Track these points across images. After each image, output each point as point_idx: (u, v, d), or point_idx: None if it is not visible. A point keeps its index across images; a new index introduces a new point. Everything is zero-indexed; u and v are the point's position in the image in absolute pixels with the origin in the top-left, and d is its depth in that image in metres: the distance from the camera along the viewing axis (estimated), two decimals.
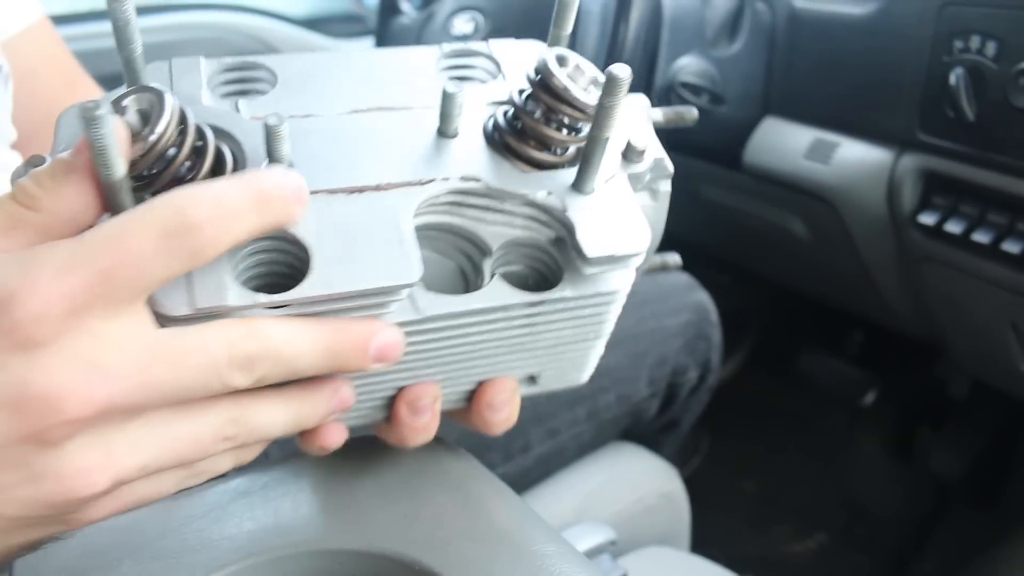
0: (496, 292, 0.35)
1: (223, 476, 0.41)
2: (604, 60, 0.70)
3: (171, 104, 0.30)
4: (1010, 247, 0.78)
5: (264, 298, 0.30)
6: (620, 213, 0.35)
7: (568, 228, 0.35)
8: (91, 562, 0.38)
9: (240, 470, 0.41)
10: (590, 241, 0.34)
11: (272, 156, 0.32)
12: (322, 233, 0.32)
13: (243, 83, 0.37)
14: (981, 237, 0.80)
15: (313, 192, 0.32)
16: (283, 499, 0.40)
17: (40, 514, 0.28)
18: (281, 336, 0.30)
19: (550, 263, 0.37)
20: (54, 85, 0.69)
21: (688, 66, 0.88)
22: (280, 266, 0.33)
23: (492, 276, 0.35)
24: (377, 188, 0.34)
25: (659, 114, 0.43)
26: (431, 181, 0.34)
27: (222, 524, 0.38)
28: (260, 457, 0.68)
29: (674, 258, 0.47)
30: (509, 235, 0.36)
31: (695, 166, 1.08)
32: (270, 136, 0.31)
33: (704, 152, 1.05)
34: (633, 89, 0.72)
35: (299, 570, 0.37)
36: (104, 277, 0.26)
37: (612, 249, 0.34)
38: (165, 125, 0.30)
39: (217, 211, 0.27)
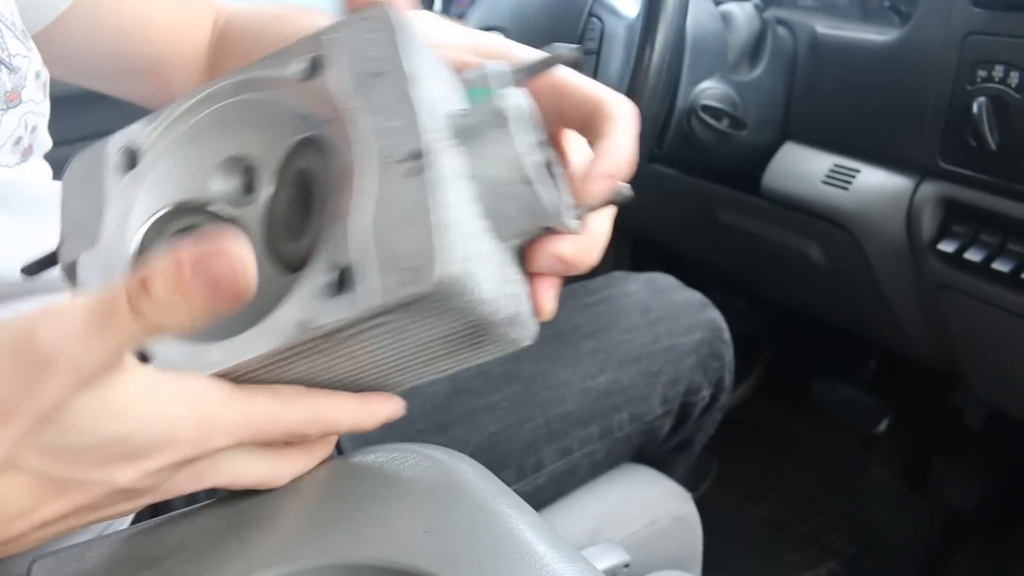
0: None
1: (242, 491, 0.41)
2: (628, 82, 0.70)
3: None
4: None
5: None
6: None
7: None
8: (108, 574, 0.37)
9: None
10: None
11: None
12: None
13: None
14: (1001, 266, 0.79)
15: None
16: (303, 513, 0.40)
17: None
18: None
19: None
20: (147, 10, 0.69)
21: (709, 90, 0.89)
22: None
23: None
24: None
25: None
26: None
27: (241, 537, 0.38)
28: None
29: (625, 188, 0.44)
30: None
31: (713, 190, 1.08)
32: None
33: (723, 176, 1.06)
34: (656, 112, 0.72)
35: None
36: None
37: None
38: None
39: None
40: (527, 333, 0.40)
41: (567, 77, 0.43)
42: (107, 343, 0.29)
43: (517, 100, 0.36)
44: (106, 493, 0.33)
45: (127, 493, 0.33)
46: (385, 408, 0.40)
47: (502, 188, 0.36)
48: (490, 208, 0.36)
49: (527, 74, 0.38)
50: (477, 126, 0.35)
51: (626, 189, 0.41)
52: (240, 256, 0.28)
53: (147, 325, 0.29)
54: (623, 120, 0.41)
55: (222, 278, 0.28)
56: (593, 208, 0.39)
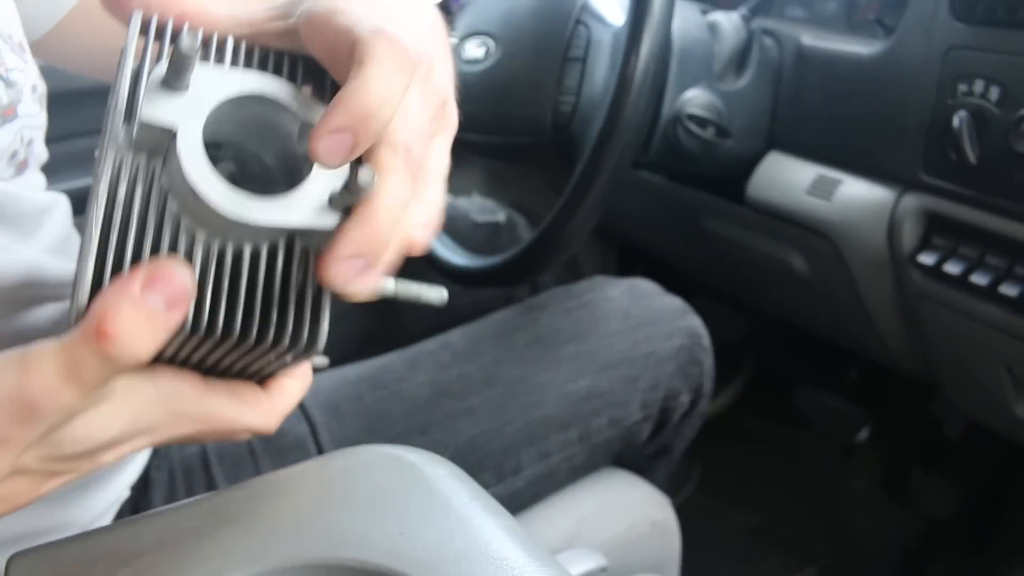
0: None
1: (215, 489, 0.41)
2: (614, 89, 0.70)
3: None
4: (1008, 290, 0.78)
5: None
6: None
7: None
8: (86, 569, 0.38)
9: (234, 482, 0.42)
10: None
11: None
12: None
13: None
14: (979, 279, 0.80)
15: None
16: (280, 513, 0.40)
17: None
18: None
19: None
20: None
21: (695, 98, 0.89)
22: None
23: None
24: None
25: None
26: None
27: (217, 536, 0.38)
28: (254, 468, 0.68)
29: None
30: None
31: (698, 198, 1.09)
32: None
33: (708, 184, 1.06)
34: (641, 120, 0.72)
35: None
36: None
37: None
38: None
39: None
40: (310, 340, 0.35)
41: (324, 19, 0.35)
42: (81, 388, 0.32)
43: (186, 102, 0.32)
44: (92, 469, 0.38)
45: (107, 465, 0.38)
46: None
47: (189, 199, 0.32)
48: (197, 220, 0.33)
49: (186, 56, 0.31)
50: (144, 140, 0.32)
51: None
52: (171, 268, 0.31)
53: (113, 367, 0.31)
54: (370, 62, 0.32)
55: (172, 283, 0.30)
56: (363, 183, 0.32)
